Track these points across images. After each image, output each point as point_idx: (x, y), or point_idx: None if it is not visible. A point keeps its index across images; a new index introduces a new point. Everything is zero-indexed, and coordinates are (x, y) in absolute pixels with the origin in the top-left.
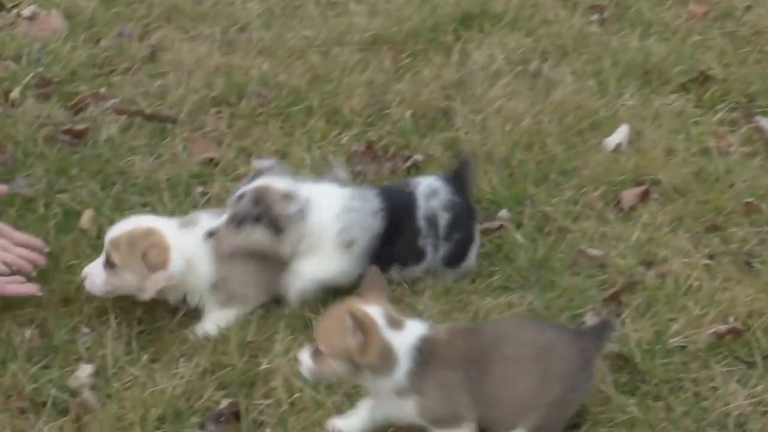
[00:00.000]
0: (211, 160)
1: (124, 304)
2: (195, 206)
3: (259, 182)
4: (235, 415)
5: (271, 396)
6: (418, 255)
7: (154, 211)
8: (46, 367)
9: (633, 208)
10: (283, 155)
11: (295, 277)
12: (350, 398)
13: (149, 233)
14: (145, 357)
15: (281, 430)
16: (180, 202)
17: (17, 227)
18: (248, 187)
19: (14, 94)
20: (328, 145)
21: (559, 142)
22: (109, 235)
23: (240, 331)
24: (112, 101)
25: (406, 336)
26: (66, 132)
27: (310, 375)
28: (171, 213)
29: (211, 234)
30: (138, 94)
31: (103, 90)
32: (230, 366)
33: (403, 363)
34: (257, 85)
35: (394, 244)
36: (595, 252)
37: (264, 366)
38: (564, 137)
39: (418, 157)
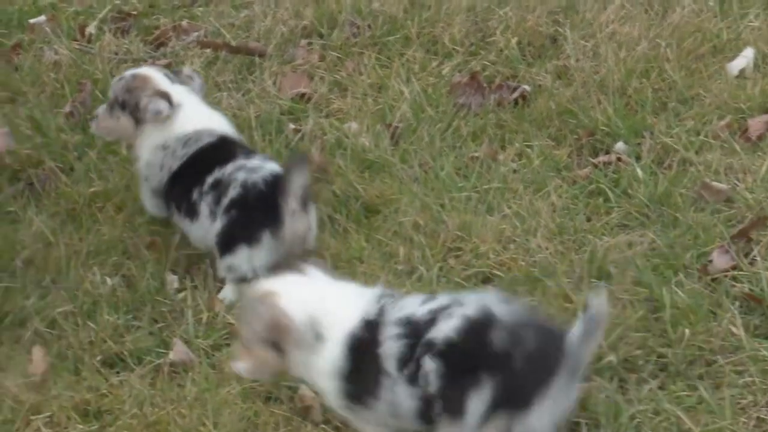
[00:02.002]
0: (302, 95)
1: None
2: (288, 144)
3: (139, 71)
4: None
5: None
6: (190, 208)
7: None
8: (134, 318)
9: (761, 137)
10: (379, 88)
11: None
12: None
13: None
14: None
15: None
16: (271, 140)
17: (98, 170)
18: (127, 73)
19: (91, 29)
20: (428, 77)
21: (678, 68)
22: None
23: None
24: (195, 34)
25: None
26: None
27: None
28: (262, 152)
29: (92, 117)
30: (222, 26)
31: (184, 22)
32: None
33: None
34: (350, 14)
35: (175, 187)
36: (720, 185)
37: None
38: (683, 62)
39: (526, 87)
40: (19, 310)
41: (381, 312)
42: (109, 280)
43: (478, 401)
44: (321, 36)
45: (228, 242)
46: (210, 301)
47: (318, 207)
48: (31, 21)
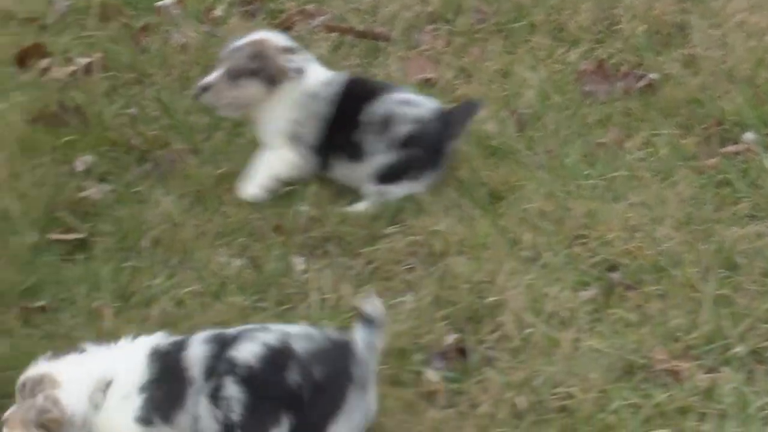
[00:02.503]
0: (427, 80)
1: (342, 232)
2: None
3: (254, 36)
4: (461, 352)
5: (500, 331)
6: (354, 150)
7: None
8: (259, 299)
9: None
10: (505, 74)
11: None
12: (584, 334)
13: None
14: (366, 290)
15: (512, 366)
16: None
17: (225, 152)
18: (242, 41)
19: (218, 11)
20: (554, 64)
21: None
22: None
23: (466, 266)
24: (322, 18)
25: None
26: None
27: None
28: None
29: (205, 88)
30: (348, 11)
31: (311, 6)
32: (456, 302)
33: None
34: (476, 0)
35: (334, 137)
36: None
37: (491, 300)
38: None
39: (653, 75)
40: (146, 290)
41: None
42: (235, 261)
43: None
44: (447, 21)
45: (393, 176)
46: (335, 283)
47: (445, 193)
48: (158, 4)
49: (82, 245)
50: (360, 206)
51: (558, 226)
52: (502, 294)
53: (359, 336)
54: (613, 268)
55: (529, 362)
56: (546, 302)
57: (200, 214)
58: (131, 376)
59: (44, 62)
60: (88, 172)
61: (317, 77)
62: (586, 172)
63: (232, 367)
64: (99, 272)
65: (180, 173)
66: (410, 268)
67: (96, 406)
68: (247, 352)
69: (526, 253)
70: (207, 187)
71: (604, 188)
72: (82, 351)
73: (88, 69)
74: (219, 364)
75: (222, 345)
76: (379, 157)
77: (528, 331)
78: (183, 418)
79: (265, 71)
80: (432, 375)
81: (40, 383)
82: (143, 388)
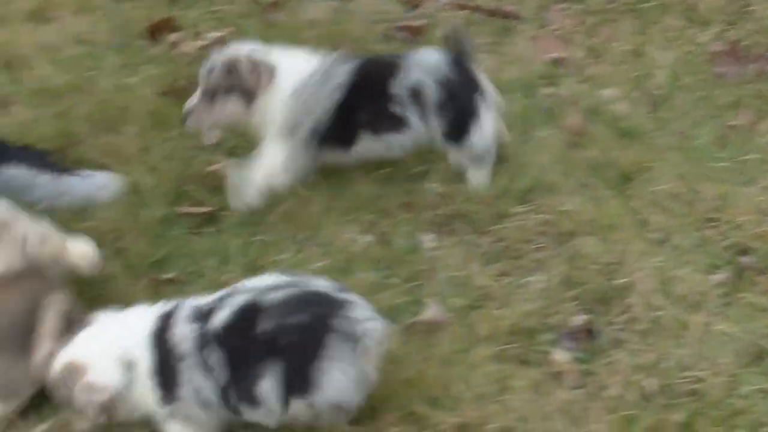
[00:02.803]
0: (557, 59)
1: (470, 210)
2: (539, 109)
3: (228, 53)
4: (590, 333)
5: (629, 313)
6: (394, 122)
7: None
8: (387, 276)
9: None
10: (635, 55)
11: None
12: (715, 317)
13: None
14: (495, 268)
15: (641, 348)
16: (526, 105)
17: None
18: (217, 59)
19: None
20: (685, 45)
21: None
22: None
23: (595, 247)
24: None
25: None
26: (402, 28)
27: None
28: (517, 115)
29: (187, 113)
30: None
31: None
32: (585, 282)
33: None
34: None
35: (360, 111)
36: None
37: (620, 281)
38: None
39: None
40: (274, 264)
41: (174, 308)
42: (363, 238)
43: (268, 389)
44: (577, 1)
45: (461, 129)
46: (464, 261)
47: (575, 173)
48: None
49: (211, 219)
50: (477, 178)
51: (688, 209)
52: (631, 275)
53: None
54: (744, 252)
55: (658, 345)
56: (675, 285)
57: (328, 190)
58: (142, 359)
59: (174, 36)
60: (216, 146)
61: (304, 71)
62: (717, 155)
63: (211, 338)
64: (228, 246)
65: None
66: (539, 247)
67: (128, 386)
68: (220, 319)
69: (656, 235)
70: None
71: (735, 171)
72: (92, 323)
73: (217, 43)
74: (202, 339)
75: (202, 320)
76: (422, 123)
77: (657, 313)
78: (186, 392)
79: (239, 86)
80: (560, 355)
81: (69, 375)
82: (152, 372)
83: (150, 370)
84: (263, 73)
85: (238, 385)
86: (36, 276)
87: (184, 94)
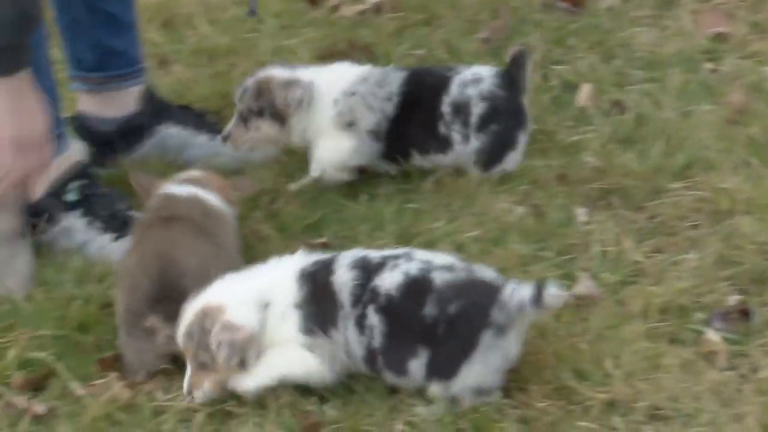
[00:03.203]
0: (719, 34)
1: (626, 185)
2: (700, 84)
3: (260, 74)
4: (744, 313)
5: None
6: (440, 142)
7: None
8: (540, 249)
9: None
10: None
11: (311, 165)
12: None
13: None
14: (649, 245)
15: None
16: (687, 80)
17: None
18: (250, 82)
19: None
20: None
21: None
22: None
23: (753, 226)
24: None
25: None
26: None
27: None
28: (677, 91)
29: (225, 138)
30: None
31: None
32: (741, 262)
33: None
34: None
35: (411, 128)
36: None
37: None
38: None
39: None
40: (428, 232)
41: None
42: (517, 209)
43: (416, 367)
44: None
45: (495, 155)
46: (618, 236)
47: (735, 151)
48: None
49: (364, 184)
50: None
51: None
52: None
53: (516, 288)
54: None
55: None
56: None
57: None
58: (285, 296)
59: (335, 0)
60: None
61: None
62: None
63: (374, 296)
64: (382, 212)
65: None
66: (695, 224)
67: (260, 325)
68: (389, 281)
69: None
70: None
71: None
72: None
73: (377, 8)
74: (363, 292)
75: (367, 272)
76: (470, 144)
77: None
78: (337, 336)
79: (270, 108)
80: (713, 335)
81: (207, 316)
82: (298, 305)
83: (296, 302)
84: (298, 91)
85: (389, 354)
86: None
87: (343, 58)
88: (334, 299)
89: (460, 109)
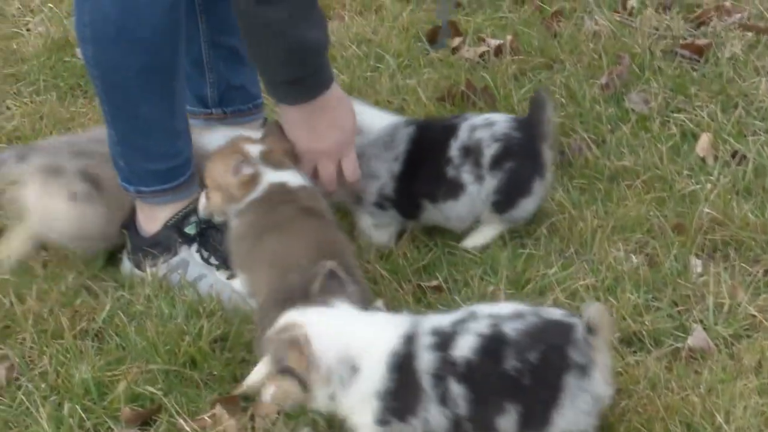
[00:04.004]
0: None
1: (743, 237)
2: None
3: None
4: None
5: None
6: (450, 186)
7: None
8: (654, 298)
9: None
10: None
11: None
12: None
13: None
14: (765, 299)
15: None
16: None
17: (629, 145)
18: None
19: (633, 2)
20: None
21: None
22: None
23: None
24: (738, 16)
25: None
26: (685, 47)
27: (202, 211)
28: None
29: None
30: (766, 9)
31: (728, 3)
32: None
33: None
34: None
35: (419, 180)
36: None
37: None
38: None
39: None
40: (541, 278)
41: (415, 327)
42: (632, 258)
43: (507, 425)
44: None
45: (508, 198)
46: (733, 288)
47: None
48: None
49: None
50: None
51: None
52: None
53: (581, 320)
54: None
55: None
56: None
57: (599, 207)
58: (371, 377)
59: (456, 41)
60: None
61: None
62: None
63: (453, 367)
64: (495, 256)
65: (579, 162)
66: None
67: (340, 381)
68: (464, 346)
69: None
70: (607, 178)
71: None
72: (331, 306)
73: (498, 50)
74: (443, 370)
75: (444, 348)
76: (476, 186)
77: None
78: (415, 422)
79: None
80: None
81: (289, 329)
82: (380, 396)
83: (378, 390)
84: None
85: (477, 418)
86: None
87: (462, 100)
88: (417, 387)
89: (471, 152)
